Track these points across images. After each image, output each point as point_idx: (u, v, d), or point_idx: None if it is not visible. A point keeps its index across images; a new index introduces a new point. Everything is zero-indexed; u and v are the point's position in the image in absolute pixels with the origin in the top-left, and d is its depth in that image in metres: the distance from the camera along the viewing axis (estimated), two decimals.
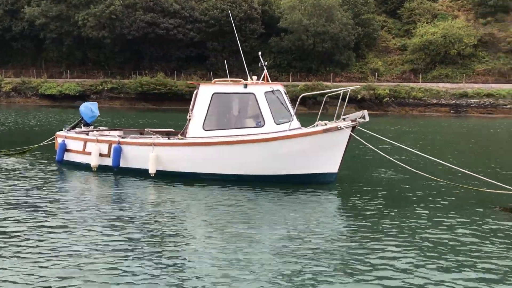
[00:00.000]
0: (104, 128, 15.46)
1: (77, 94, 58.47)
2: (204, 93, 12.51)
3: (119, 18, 60.50)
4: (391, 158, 12.32)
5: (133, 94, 58.45)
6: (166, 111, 50.18)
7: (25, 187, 11.34)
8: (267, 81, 13.15)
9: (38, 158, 15.71)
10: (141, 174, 12.65)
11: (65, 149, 14.01)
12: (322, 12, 59.53)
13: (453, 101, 51.03)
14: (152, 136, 13.45)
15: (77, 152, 13.79)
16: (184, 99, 56.65)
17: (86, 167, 13.54)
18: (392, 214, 9.52)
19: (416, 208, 9.99)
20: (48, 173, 13.32)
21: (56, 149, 14.32)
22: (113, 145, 12.92)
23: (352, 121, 11.49)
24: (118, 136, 13.53)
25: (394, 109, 52.03)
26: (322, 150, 11.67)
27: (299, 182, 11.80)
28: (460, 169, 11.88)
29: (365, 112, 11.44)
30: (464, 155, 18.07)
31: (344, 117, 11.75)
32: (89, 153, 13.36)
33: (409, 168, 12.12)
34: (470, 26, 59.66)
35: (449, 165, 12.06)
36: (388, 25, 65.74)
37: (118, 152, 12.78)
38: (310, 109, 53.34)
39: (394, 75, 59.62)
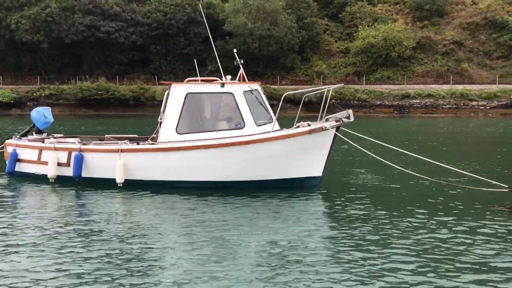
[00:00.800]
0: (59, 135, 14.16)
1: (12, 101, 55.04)
2: (177, 93, 11.57)
3: (56, 21, 57.66)
4: (382, 159, 11.71)
5: (73, 101, 55.81)
6: (110, 117, 48.26)
7: None
8: (244, 80, 12.47)
9: None
10: (107, 184, 11.57)
11: (16, 159, 12.61)
12: (266, 16, 59.60)
13: (396, 102, 52.54)
14: (118, 142, 12.29)
15: (31, 162, 12.46)
16: (128, 105, 54.96)
17: (42, 179, 12.26)
18: (382, 217, 9.09)
19: (408, 209, 9.62)
20: (2, 190, 11.88)
21: (6, 160, 12.94)
22: (74, 153, 11.76)
23: (336, 121, 11.03)
24: (78, 143, 12.32)
25: (340, 111, 52.58)
26: (306, 152, 11.10)
27: (281, 188, 11.18)
28: (448, 167, 11.57)
29: (350, 112, 11.01)
30: (435, 154, 18.13)
31: (327, 117, 11.31)
32: (46, 163, 12.08)
33: (398, 167, 11.70)
34: (409, 29, 61.76)
35: (437, 163, 11.66)
36: (330, 28, 66.82)
37: (79, 161, 11.64)
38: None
39: (339, 78, 60.55)
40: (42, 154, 12.22)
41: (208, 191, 10.94)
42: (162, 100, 50.16)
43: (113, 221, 8.93)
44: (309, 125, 11.20)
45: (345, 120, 11.00)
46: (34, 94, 56.26)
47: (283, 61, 60.56)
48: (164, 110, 11.63)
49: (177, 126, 11.41)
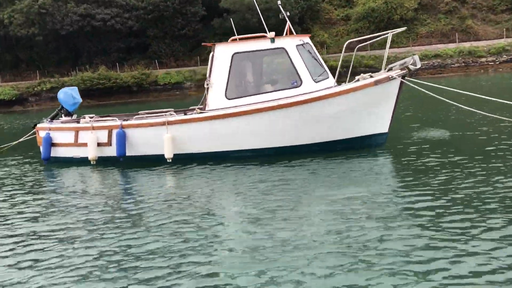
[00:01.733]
0: (90, 115, 13.26)
1: (13, 98, 54.17)
2: (223, 54, 10.69)
3: (50, 13, 56.33)
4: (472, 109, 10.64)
5: None
6: (114, 105, 47.44)
7: (15, 198, 9.26)
8: (291, 34, 11.52)
9: (16, 161, 13.32)
10: (154, 161, 10.75)
11: (51, 143, 11.74)
12: None
13: None
14: (163, 114, 11.34)
15: (68, 145, 11.58)
16: (132, 91, 54.05)
17: (82, 162, 11.46)
18: (461, 178, 7.97)
19: (493, 169, 8.31)
20: (37, 176, 11.20)
21: (40, 145, 12.08)
22: (115, 131, 10.89)
23: (401, 69, 10.14)
24: (118, 119, 11.38)
25: (345, 79, 51.80)
26: (372, 107, 10.20)
27: (345, 149, 10.35)
28: None
29: (416, 58, 10.10)
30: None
31: (390, 65, 10.51)
32: (84, 145, 11.26)
33: (488, 114, 10.69)
34: None
35: None
36: None
37: (122, 138, 10.77)
38: None
39: (342, 46, 59.37)
40: (80, 135, 11.39)
41: (267, 159, 10.18)
42: (165, 84, 49.44)
43: (167, 199, 8.26)
44: (371, 76, 10.40)
45: (412, 67, 10.07)
46: (35, 89, 55.29)
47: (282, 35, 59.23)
48: (210, 75, 10.75)
49: (226, 91, 10.55)
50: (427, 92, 10.33)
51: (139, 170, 10.59)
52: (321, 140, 10.41)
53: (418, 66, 10.05)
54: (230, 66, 10.51)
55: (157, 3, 57.76)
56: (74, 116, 12.89)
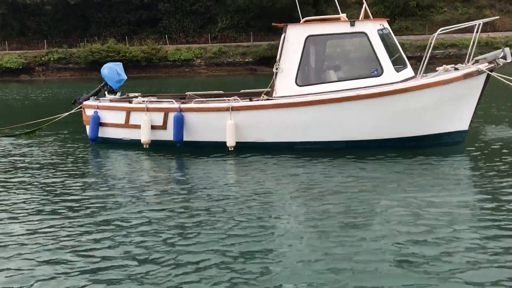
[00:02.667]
0: (135, 94, 12.44)
1: (20, 67, 53.35)
2: (295, 36, 9.79)
3: None
4: None
5: (83, 64, 53.96)
6: None
7: (63, 181, 8.73)
8: (368, 18, 10.60)
9: (58, 139, 12.60)
10: (214, 148, 10.17)
11: (99, 123, 11.09)
12: None
13: (419, 53, 50.55)
14: (226, 98, 10.62)
15: (118, 125, 10.91)
16: (141, 66, 53.20)
17: (132, 145, 10.90)
18: None
19: None
20: (85, 157, 10.63)
21: (86, 124, 11.47)
22: (172, 114, 10.23)
23: (489, 62, 9.40)
24: (176, 101, 10.71)
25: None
26: (457, 101, 9.45)
27: (423, 146, 9.66)
28: None
29: (507, 50, 9.32)
30: None
31: (477, 58, 9.77)
32: (136, 126, 10.62)
33: None
34: None
35: None
36: None
37: (180, 122, 10.10)
38: None
39: None
40: (131, 116, 10.70)
41: (337, 153, 9.51)
42: (175, 60, 48.36)
43: (230, 192, 7.74)
44: (455, 69, 9.73)
45: (501, 61, 9.32)
46: (43, 58, 54.44)
47: (298, 15, 57.95)
48: (279, 59, 9.89)
49: (296, 77, 9.75)
50: None
51: (197, 157, 10.03)
52: (398, 136, 9.64)
53: (509, 60, 9.28)
54: (303, 50, 9.68)
55: None
56: (118, 94, 12.09)
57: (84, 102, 11.57)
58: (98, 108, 11.14)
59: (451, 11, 57.49)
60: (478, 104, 9.66)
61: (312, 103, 9.38)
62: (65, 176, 9.04)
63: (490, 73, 9.26)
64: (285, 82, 9.76)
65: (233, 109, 9.75)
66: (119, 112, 10.85)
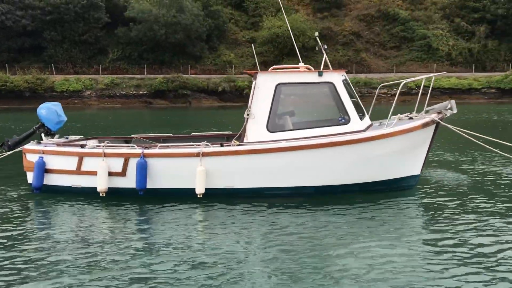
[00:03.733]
0: (76, 137, 11.62)
1: None
2: (266, 83, 9.87)
3: None
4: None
5: None
6: (2, 111, 43.03)
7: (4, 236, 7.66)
8: (327, 69, 11.03)
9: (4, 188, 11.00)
10: (180, 196, 9.60)
11: (44, 169, 10.13)
12: (172, 2, 57.50)
13: None
14: (194, 143, 10.21)
15: (67, 172, 10.04)
16: (23, 97, 49.60)
17: (82, 193, 9.93)
18: (497, 217, 8.32)
19: None
20: (30, 208, 9.40)
21: (27, 170, 10.36)
22: (133, 160, 9.59)
23: (438, 113, 10.14)
24: (137, 146, 10.07)
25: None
26: (414, 148, 10.09)
27: (381, 190, 10.00)
28: None
29: (453, 103, 10.14)
30: None
31: (427, 108, 10.48)
32: (89, 173, 9.86)
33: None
34: (310, 20, 63.71)
35: None
36: (235, 17, 66.47)
37: (143, 169, 9.52)
38: (173, 102, 51.20)
39: (247, 67, 60.57)
40: (85, 162, 9.93)
41: (305, 199, 9.52)
42: (63, 92, 45.79)
43: (201, 243, 7.38)
44: (410, 118, 10.42)
45: (449, 112, 10.15)
46: None
47: (191, 49, 58.94)
48: (251, 104, 9.94)
49: (267, 123, 9.81)
50: (460, 132, 10.53)
51: (162, 206, 9.36)
52: (363, 181, 10.04)
53: (455, 111, 10.25)
54: (273, 97, 9.84)
55: (58, 5, 54.13)
56: (56, 136, 11.32)
57: (25, 146, 10.57)
58: (43, 153, 10.22)
59: (333, 53, 62.40)
60: (429, 150, 10.49)
61: (286, 149, 9.51)
62: (6, 231, 8.06)
63: (440, 122, 10.09)
64: (257, 128, 9.83)
65: (204, 154, 9.54)
66: (70, 158, 10.05)
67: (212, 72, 58.41)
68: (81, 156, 10.00)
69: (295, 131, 9.94)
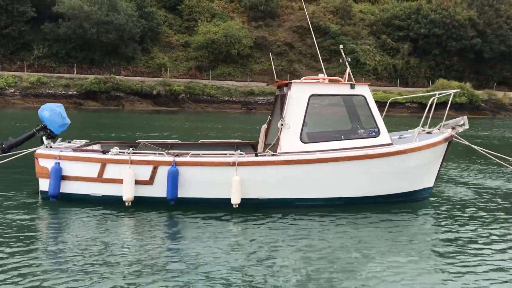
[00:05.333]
0: (80, 141, 10.80)
1: None
2: (299, 94, 9.67)
3: None
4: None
5: None
6: None
7: (25, 251, 6.82)
8: (351, 81, 10.86)
9: (8, 195, 9.89)
10: (214, 206, 9.26)
11: (61, 176, 9.31)
12: (104, 0, 55.33)
13: (243, 99, 54.11)
14: (228, 152, 9.92)
15: (87, 180, 9.33)
16: None
17: (103, 202, 9.22)
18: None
19: None
20: (49, 221, 8.51)
21: (40, 177, 9.49)
22: (163, 168, 9.12)
23: (452, 128, 10.53)
24: (167, 154, 9.53)
25: (190, 105, 52.11)
26: (434, 162, 10.36)
27: (401, 201, 10.16)
28: None
29: (465, 119, 10.55)
30: None
31: (443, 123, 10.72)
32: (112, 181, 9.22)
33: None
34: (246, 28, 64.13)
35: None
36: (169, 20, 65.29)
37: (175, 178, 9.06)
38: (105, 104, 49.01)
39: (181, 71, 59.70)
40: (108, 169, 9.25)
41: (331, 210, 9.47)
42: None
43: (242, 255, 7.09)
44: (429, 132, 10.65)
45: (460, 128, 10.61)
46: None
47: (123, 50, 56.98)
48: (285, 115, 9.65)
49: (301, 134, 9.64)
50: (474, 146, 11.09)
51: (200, 215, 8.92)
52: (388, 192, 10.13)
53: (467, 127, 10.74)
54: (307, 108, 9.69)
55: None
56: (59, 140, 10.38)
57: (39, 151, 9.65)
58: (60, 158, 9.39)
59: (267, 62, 63.25)
60: (442, 163, 10.86)
61: (320, 160, 9.43)
62: (26, 243, 7.23)
63: (456, 136, 10.53)
64: (291, 138, 9.69)
65: (239, 164, 9.25)
66: (91, 164, 9.35)
67: (144, 74, 56.83)
68: (104, 163, 9.29)
69: (327, 142, 9.88)
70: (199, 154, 9.82)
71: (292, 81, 10.02)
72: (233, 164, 9.23)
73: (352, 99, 10.26)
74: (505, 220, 9.46)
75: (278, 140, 9.76)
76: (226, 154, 9.89)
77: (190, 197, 9.35)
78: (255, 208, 9.34)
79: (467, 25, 67.41)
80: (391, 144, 9.97)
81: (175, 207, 9.21)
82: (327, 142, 9.87)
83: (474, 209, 10.20)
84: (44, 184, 9.49)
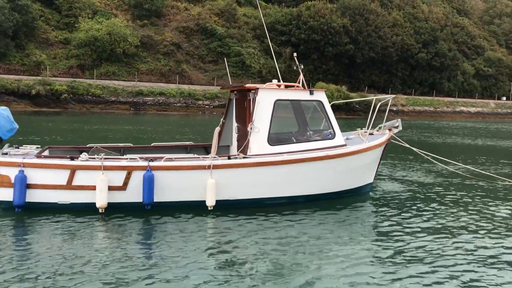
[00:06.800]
0: (32, 146, 10.21)
1: None
2: (266, 99, 10.23)
3: None
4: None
5: None
6: None
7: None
8: (303, 87, 11.27)
9: None
10: (188, 208, 9.46)
11: (26, 185, 8.77)
12: None
13: (131, 99, 52.36)
14: (200, 156, 10.17)
15: (56, 187, 8.90)
16: None
17: (72, 210, 9.00)
18: (440, 215, 9.99)
19: (461, 208, 10.54)
20: (16, 232, 7.93)
21: (2, 186, 8.92)
22: (137, 173, 9.04)
23: (389, 130, 11.87)
24: (140, 159, 9.38)
25: (74, 106, 49.09)
26: (376, 160, 11.59)
27: (349, 196, 11.17)
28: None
29: (399, 121, 11.80)
30: None
31: (381, 125, 11.92)
32: (82, 188, 8.89)
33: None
34: (130, 26, 62.15)
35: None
36: (45, 15, 60.77)
37: (151, 182, 9.02)
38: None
39: (61, 70, 55.97)
40: (78, 176, 8.89)
41: (294, 207, 10.10)
42: None
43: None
44: (371, 133, 11.71)
45: (395, 130, 11.89)
46: None
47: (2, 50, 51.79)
48: (254, 119, 10.18)
49: (268, 137, 10.18)
50: (408, 146, 12.66)
51: (175, 218, 9.01)
52: (340, 189, 11.09)
53: (401, 128, 12.07)
54: (273, 113, 10.37)
55: None
56: (6, 146, 9.65)
57: (1, 159, 9.02)
58: (24, 165, 8.87)
59: (154, 62, 62.00)
60: (380, 161, 12.15)
61: (287, 162, 10.00)
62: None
63: (395, 137, 12.28)
64: (259, 142, 10.16)
65: (214, 167, 9.51)
66: (59, 171, 8.93)
67: (19, 72, 52.25)
68: (73, 169, 8.99)
69: (290, 144, 10.60)
70: (172, 158, 9.86)
71: (258, 86, 10.61)
72: (208, 167, 9.52)
73: (312, 104, 11.18)
74: (434, 208, 10.77)
75: (248, 142, 10.26)
76: (199, 157, 10.13)
77: (166, 201, 9.45)
78: (227, 209, 9.71)
79: (341, 32, 72.60)
80: (345, 145, 10.96)
81: (149, 212, 9.25)
82: (290, 144, 10.64)
83: (408, 199, 11.47)
84: (4, 194, 8.97)
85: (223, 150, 11.79)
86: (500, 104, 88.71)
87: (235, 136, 11.68)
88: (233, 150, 11.81)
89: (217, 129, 11.93)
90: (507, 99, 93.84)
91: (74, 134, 24.22)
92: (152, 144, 12.14)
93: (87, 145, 11.20)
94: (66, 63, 57.34)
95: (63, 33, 60.00)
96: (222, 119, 12.07)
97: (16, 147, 10.18)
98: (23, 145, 10.36)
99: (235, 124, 11.68)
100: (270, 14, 74.94)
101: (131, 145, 11.81)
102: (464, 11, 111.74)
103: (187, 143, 12.51)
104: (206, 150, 12.15)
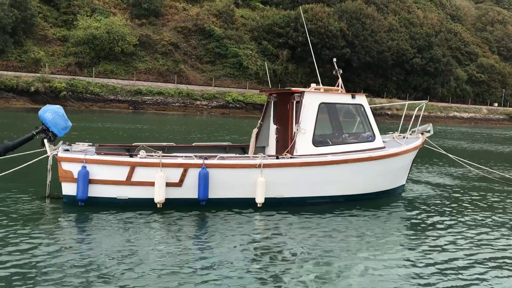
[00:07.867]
0: (84, 144, 10.50)
1: None
2: (311, 102, 10.68)
3: None
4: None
5: None
6: None
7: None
8: (343, 90, 11.66)
9: (19, 200, 9.54)
10: (240, 205, 9.85)
11: (88, 180, 9.13)
12: None
13: (130, 98, 52.38)
14: (250, 155, 10.60)
15: (115, 183, 9.28)
16: None
17: (131, 205, 9.41)
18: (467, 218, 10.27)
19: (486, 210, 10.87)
20: (79, 225, 8.36)
21: (64, 181, 9.22)
22: (193, 170, 9.45)
23: (421, 134, 12.42)
24: (195, 157, 9.78)
25: (73, 103, 49.03)
26: (409, 162, 12.00)
27: (385, 197, 11.51)
28: None
29: (431, 126, 12.27)
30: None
31: (413, 129, 12.40)
32: (140, 184, 9.29)
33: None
34: (129, 25, 62.17)
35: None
36: (44, 12, 60.61)
37: (206, 179, 9.43)
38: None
39: (59, 67, 55.86)
40: (137, 172, 9.29)
41: (334, 207, 10.43)
42: None
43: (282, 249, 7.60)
44: (404, 137, 12.13)
45: (427, 134, 12.43)
46: None
47: None
48: (298, 120, 10.61)
49: (313, 138, 10.63)
50: (443, 151, 13.25)
51: (228, 214, 9.47)
52: (377, 190, 11.40)
53: (432, 133, 12.64)
54: (317, 115, 10.82)
55: None
56: (60, 143, 10.03)
57: (60, 154, 9.34)
58: (86, 161, 9.23)
59: (152, 61, 62.07)
60: (412, 164, 12.58)
61: (332, 162, 10.41)
62: (58, 249, 6.97)
63: (428, 141, 12.80)
64: (305, 142, 10.55)
65: (264, 166, 9.91)
66: (119, 167, 9.31)
67: (17, 69, 52.10)
68: (133, 166, 9.40)
69: (334, 145, 11.02)
70: (225, 156, 10.27)
71: (304, 89, 11.07)
72: (259, 166, 9.92)
73: (354, 108, 11.65)
74: (465, 209, 11.08)
75: (294, 143, 10.66)
76: (249, 157, 10.60)
77: (219, 197, 9.85)
78: (278, 207, 10.13)
79: (338, 35, 73.15)
80: (384, 147, 11.37)
81: (204, 207, 9.68)
82: (333, 146, 11.07)
83: (438, 201, 11.79)
84: (68, 188, 9.33)
85: (259, 151, 12.15)
86: (492, 110, 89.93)
87: (272, 137, 12.07)
88: (269, 150, 12.20)
89: (255, 130, 12.32)
90: (499, 105, 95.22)
91: (79, 132, 24.30)
92: (193, 144, 12.65)
93: (134, 144, 11.57)
94: (64, 61, 57.23)
95: (62, 30, 59.89)
96: (259, 121, 12.46)
97: (68, 144, 10.48)
98: (76, 142, 10.66)
99: (273, 126, 12.06)
100: (268, 16, 75.31)
101: (174, 144, 12.22)
102: (457, 17, 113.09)
103: (225, 143, 12.95)
104: (244, 150, 12.55)
